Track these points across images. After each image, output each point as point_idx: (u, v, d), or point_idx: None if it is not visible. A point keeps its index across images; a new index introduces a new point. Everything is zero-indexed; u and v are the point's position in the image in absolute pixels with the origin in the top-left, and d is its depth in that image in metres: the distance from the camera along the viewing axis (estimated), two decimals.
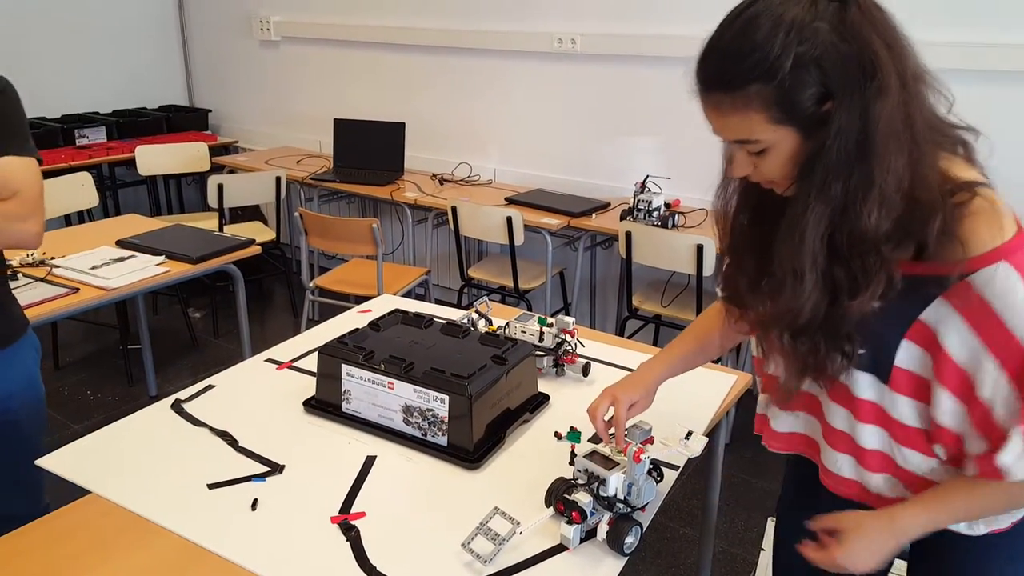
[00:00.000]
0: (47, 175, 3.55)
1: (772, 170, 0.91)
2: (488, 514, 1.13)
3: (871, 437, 1.02)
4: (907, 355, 0.94)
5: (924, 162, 0.85)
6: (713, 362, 1.92)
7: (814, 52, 0.81)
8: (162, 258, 2.35)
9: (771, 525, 1.79)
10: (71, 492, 1.24)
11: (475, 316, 1.73)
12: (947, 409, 0.93)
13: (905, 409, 0.97)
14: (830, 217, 0.85)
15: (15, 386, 1.57)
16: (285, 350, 1.76)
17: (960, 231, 0.85)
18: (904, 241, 0.87)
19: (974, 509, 0.97)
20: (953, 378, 0.91)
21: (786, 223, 0.89)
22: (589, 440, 1.37)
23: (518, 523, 1.10)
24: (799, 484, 1.27)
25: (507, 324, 1.69)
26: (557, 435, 1.27)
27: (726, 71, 0.85)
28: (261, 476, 1.28)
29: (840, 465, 1.07)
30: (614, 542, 1.10)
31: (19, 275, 2.17)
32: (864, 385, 0.99)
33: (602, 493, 1.12)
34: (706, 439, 1.25)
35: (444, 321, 1.60)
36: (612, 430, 1.20)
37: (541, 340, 1.64)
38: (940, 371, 0.92)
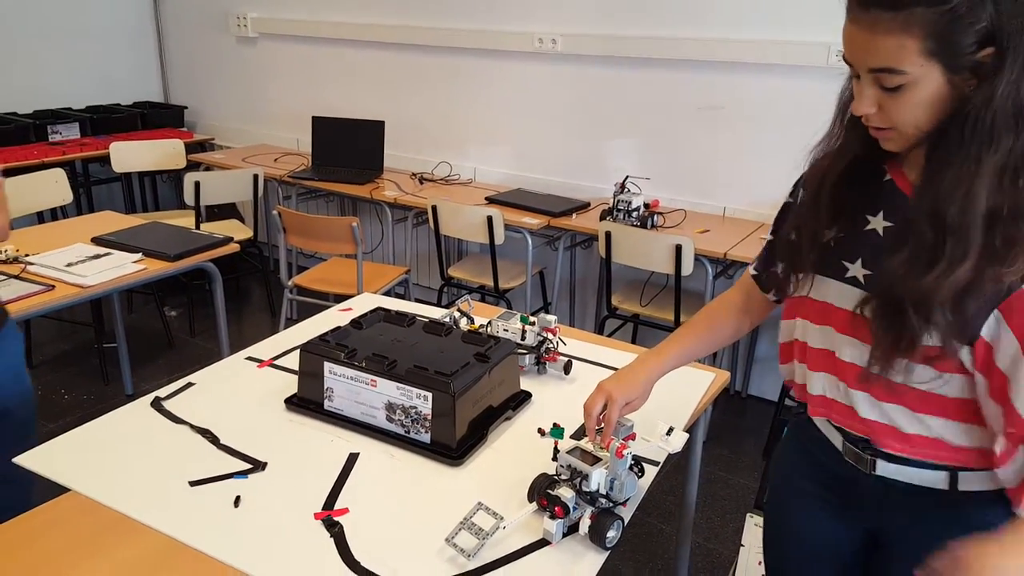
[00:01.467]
0: (19, 171, 3.52)
1: (902, 111, 0.86)
2: (472, 509, 1.14)
3: (954, 393, 0.95)
4: (989, 326, 0.89)
5: None
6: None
7: None
8: (139, 256, 2.33)
9: (749, 521, 1.82)
10: (49, 491, 1.23)
11: (457, 314, 1.74)
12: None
13: (981, 384, 0.92)
14: (1000, 175, 0.81)
15: (2, 378, 1.56)
16: (265, 348, 1.75)
17: None
18: None
19: None
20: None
21: (949, 181, 0.83)
22: (572, 436, 1.39)
23: (501, 518, 1.11)
24: (796, 476, 1.22)
25: (489, 322, 1.70)
26: (540, 431, 1.28)
27: None
28: (243, 473, 1.28)
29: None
30: (596, 536, 1.12)
31: None
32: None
33: (584, 488, 1.13)
34: (686, 435, 1.27)
35: (426, 319, 1.61)
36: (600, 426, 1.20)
37: (523, 338, 1.65)
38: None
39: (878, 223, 0.99)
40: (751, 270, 1.24)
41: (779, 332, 1.18)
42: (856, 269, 1.00)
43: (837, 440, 1.11)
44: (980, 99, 0.81)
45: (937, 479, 1.01)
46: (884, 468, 1.04)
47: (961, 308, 0.87)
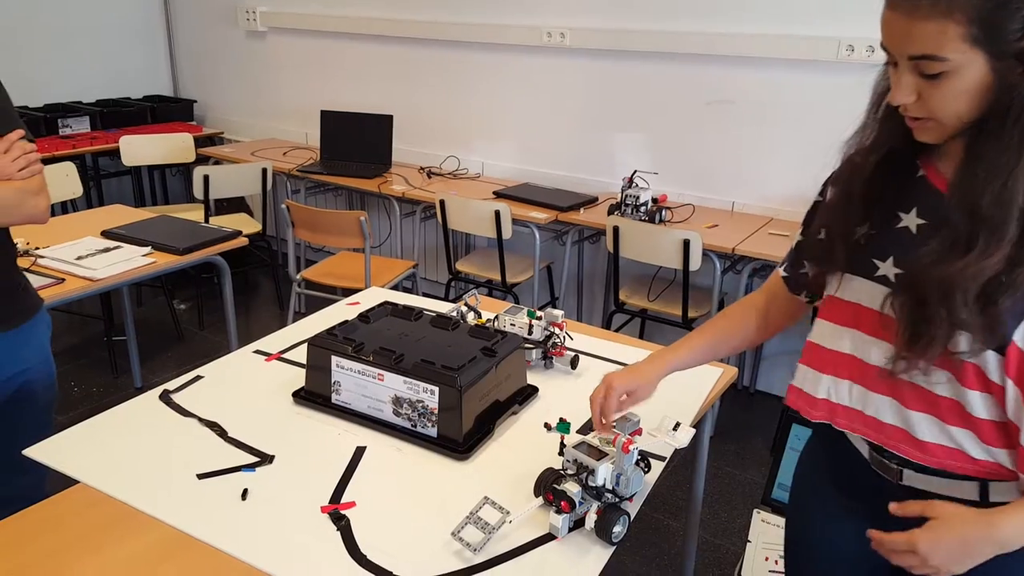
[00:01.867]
0: None
1: (943, 101, 0.83)
2: (478, 504, 1.14)
3: (979, 404, 0.92)
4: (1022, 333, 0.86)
5: None
6: None
7: None
8: (148, 249, 2.34)
9: (756, 517, 1.81)
10: (62, 481, 1.23)
11: (464, 309, 1.74)
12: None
13: (1011, 392, 0.89)
14: None
15: (33, 361, 1.59)
16: (273, 341, 1.76)
17: None
18: None
19: None
20: None
21: (986, 171, 0.80)
22: (578, 431, 1.39)
23: (508, 512, 1.11)
24: (819, 475, 1.19)
25: (496, 317, 1.70)
26: (547, 426, 1.28)
27: None
28: (251, 466, 1.28)
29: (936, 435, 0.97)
30: (602, 531, 1.12)
31: None
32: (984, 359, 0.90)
33: (591, 483, 1.13)
34: (693, 431, 1.26)
35: (434, 313, 1.61)
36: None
37: (530, 333, 1.65)
38: None
39: (911, 220, 0.96)
40: (781, 271, 1.20)
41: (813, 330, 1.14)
42: (887, 268, 0.97)
43: (864, 448, 1.06)
44: (1021, 89, 0.78)
45: (967, 489, 0.96)
46: (911, 478, 1.00)
47: (990, 304, 0.84)
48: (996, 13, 0.76)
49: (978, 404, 0.92)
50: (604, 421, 1.19)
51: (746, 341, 1.26)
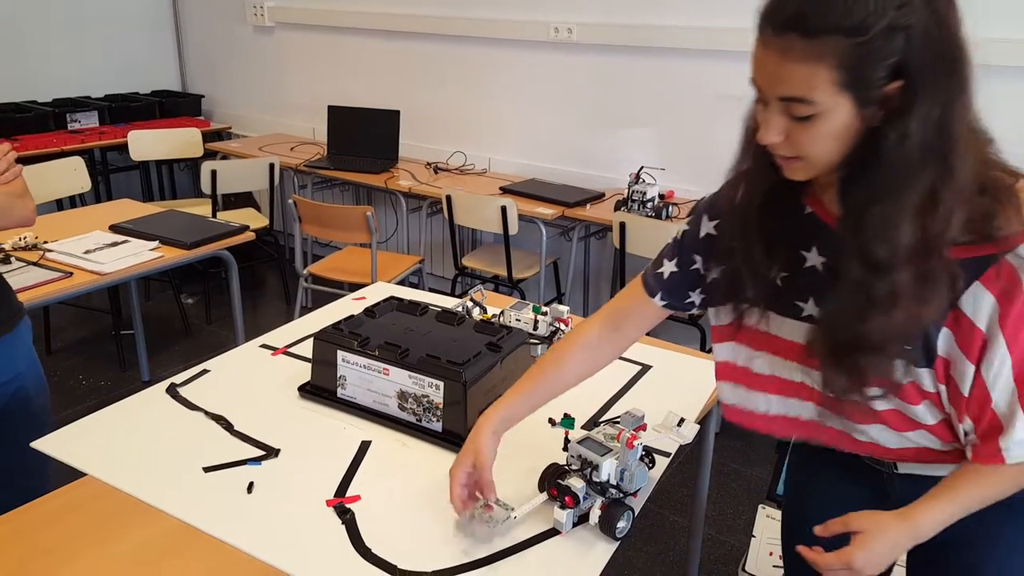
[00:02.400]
0: (39, 159, 3.56)
1: (810, 142, 0.84)
2: (483, 499, 1.14)
3: (924, 412, 0.96)
4: (943, 342, 0.90)
5: (986, 156, 0.84)
6: (705, 351, 1.95)
7: (907, 21, 0.76)
8: (156, 243, 2.35)
9: (761, 512, 1.81)
10: (63, 476, 1.24)
11: (470, 304, 1.74)
12: (970, 382, 0.90)
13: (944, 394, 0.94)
14: (918, 212, 0.80)
15: (22, 366, 1.59)
16: (280, 336, 1.76)
17: (1017, 212, 0.83)
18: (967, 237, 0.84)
19: (986, 496, 0.94)
20: (975, 350, 0.88)
21: (873, 219, 0.82)
22: (582, 426, 1.39)
23: (512, 508, 1.11)
24: (808, 474, 1.23)
25: (502, 312, 1.70)
26: (551, 421, 1.28)
27: (813, 14, 0.77)
28: (257, 460, 1.29)
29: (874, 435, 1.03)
30: (606, 527, 1.12)
31: (12, 259, 2.17)
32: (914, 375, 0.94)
33: (595, 478, 1.13)
34: (698, 426, 1.26)
35: (439, 309, 1.61)
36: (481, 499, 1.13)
37: (536, 328, 1.65)
38: (966, 345, 0.89)
39: (815, 259, 0.97)
40: (658, 302, 1.15)
41: (717, 351, 1.14)
42: (810, 307, 0.99)
43: None
44: (896, 135, 0.80)
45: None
46: (905, 467, 1.05)
47: (905, 346, 0.89)
48: (864, 60, 0.77)
49: (924, 413, 0.96)
50: (463, 507, 1.12)
51: (581, 378, 1.21)
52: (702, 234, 1.09)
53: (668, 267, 1.13)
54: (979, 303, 0.87)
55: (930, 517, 0.93)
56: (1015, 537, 1.02)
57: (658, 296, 1.15)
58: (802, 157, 0.86)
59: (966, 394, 0.91)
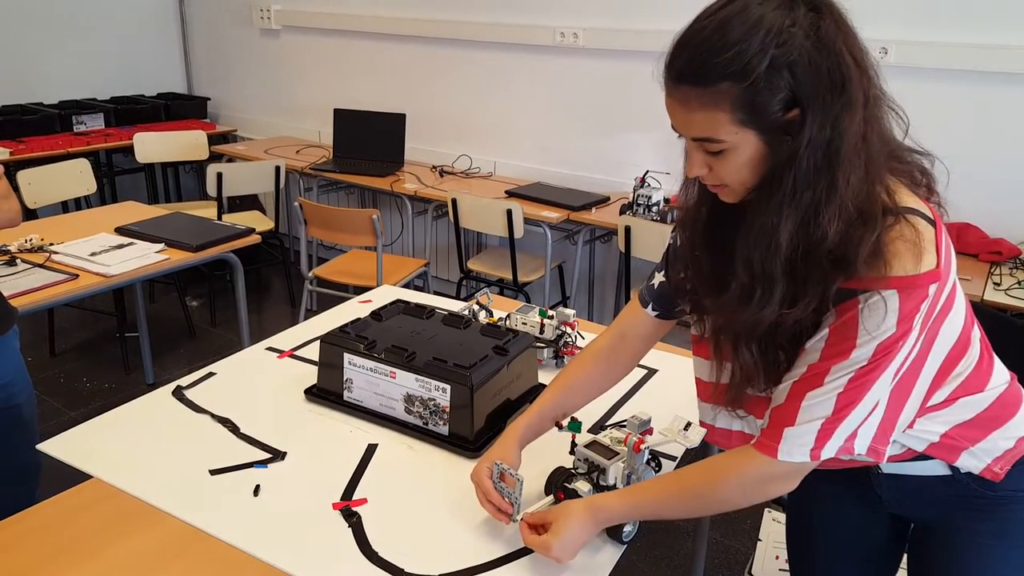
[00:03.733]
0: (45, 161, 3.57)
1: (728, 173, 0.91)
2: (496, 473, 1.12)
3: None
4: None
5: (875, 180, 0.87)
6: None
7: (789, 57, 0.81)
8: (161, 246, 2.35)
9: (767, 516, 1.81)
10: (67, 479, 1.24)
11: (476, 307, 1.74)
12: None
13: None
14: (798, 226, 0.86)
15: (12, 374, 1.59)
16: (286, 339, 1.76)
17: (885, 252, 0.86)
18: (841, 256, 0.87)
19: (661, 502, 1.04)
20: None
21: (757, 230, 0.88)
22: (589, 430, 1.39)
23: (519, 476, 1.10)
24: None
25: (508, 315, 1.70)
26: (558, 425, 1.28)
27: (700, 65, 0.85)
28: (263, 463, 1.29)
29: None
30: (613, 531, 1.11)
31: (18, 261, 2.17)
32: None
33: (602, 482, 1.13)
34: (704, 430, 1.26)
35: (446, 312, 1.61)
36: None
37: (542, 332, 1.65)
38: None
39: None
40: (650, 312, 1.20)
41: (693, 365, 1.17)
42: None
43: None
44: (784, 157, 0.85)
45: (937, 467, 1.04)
46: (888, 466, 1.08)
47: (769, 349, 0.95)
48: (755, 99, 0.83)
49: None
50: (494, 503, 1.13)
51: (601, 388, 1.26)
52: (674, 244, 1.17)
53: (658, 278, 1.19)
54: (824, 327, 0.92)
55: (609, 503, 1.05)
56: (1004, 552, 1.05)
57: (650, 306, 1.20)
58: (726, 184, 0.93)
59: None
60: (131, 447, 1.32)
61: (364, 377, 1.42)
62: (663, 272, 1.18)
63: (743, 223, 0.92)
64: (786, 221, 0.86)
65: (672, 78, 0.89)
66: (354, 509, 1.18)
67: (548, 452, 1.32)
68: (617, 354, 1.24)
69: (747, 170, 0.89)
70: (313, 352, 1.60)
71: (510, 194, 3.43)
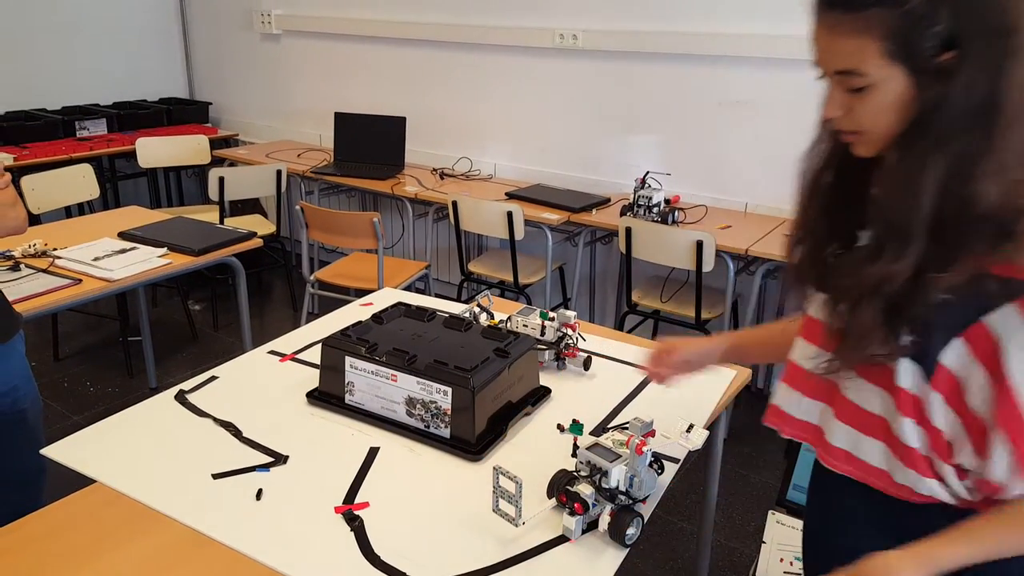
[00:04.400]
0: (47, 167, 3.58)
1: (868, 115, 0.85)
2: (494, 476, 1.13)
3: (910, 432, 0.92)
4: (954, 355, 0.87)
5: None
6: None
7: None
8: (164, 250, 2.36)
9: (771, 518, 1.80)
10: (71, 484, 1.24)
11: (477, 310, 1.74)
12: (992, 401, 0.86)
13: (938, 411, 0.89)
14: (945, 179, 0.79)
15: (18, 378, 1.59)
16: (288, 342, 1.77)
17: None
18: (997, 232, 0.80)
19: (1009, 541, 0.89)
20: (1000, 368, 0.84)
21: (895, 179, 0.83)
22: (591, 432, 1.39)
23: (518, 478, 1.09)
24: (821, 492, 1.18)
25: (509, 318, 1.70)
26: (560, 427, 1.28)
27: None
28: (265, 466, 1.29)
29: (866, 450, 0.99)
30: (616, 533, 1.11)
31: (22, 266, 2.18)
32: (906, 374, 0.90)
33: (604, 485, 1.13)
34: (707, 432, 1.26)
35: (447, 314, 1.61)
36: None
37: (543, 334, 1.65)
38: (992, 364, 0.85)
39: (867, 238, 0.95)
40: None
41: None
42: None
43: None
44: (931, 101, 0.80)
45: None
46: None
47: (906, 310, 0.86)
48: (909, 29, 0.78)
49: (910, 432, 0.92)
50: (652, 365, 1.22)
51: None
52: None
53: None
54: (1008, 323, 0.83)
55: (944, 554, 0.89)
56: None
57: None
58: (862, 131, 0.87)
59: (988, 415, 0.86)
60: (134, 451, 1.32)
61: (365, 380, 1.42)
62: None
63: (878, 175, 0.86)
64: (929, 171, 0.79)
65: (823, 2, 0.83)
66: (356, 513, 1.18)
67: (550, 455, 1.32)
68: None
69: (888, 114, 0.83)
70: (315, 355, 1.61)
71: (510, 196, 3.43)
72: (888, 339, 0.88)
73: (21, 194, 2.87)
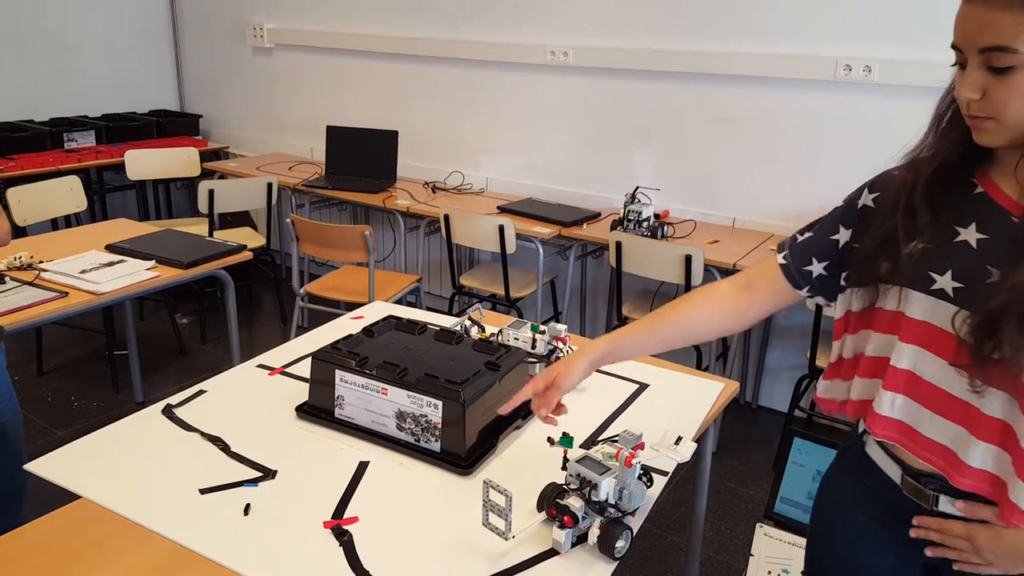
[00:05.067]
0: (35, 179, 3.56)
1: (1007, 98, 0.83)
2: (484, 489, 1.13)
3: None
4: None
5: None
6: (701, 370, 1.95)
7: None
8: (152, 263, 2.35)
9: (759, 531, 1.81)
10: (54, 501, 1.23)
11: (468, 323, 1.74)
12: None
13: None
14: None
15: None
16: (277, 356, 1.76)
17: None
18: None
19: None
20: None
21: None
22: (581, 446, 1.39)
23: (508, 491, 1.09)
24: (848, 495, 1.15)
25: (500, 331, 1.70)
26: (550, 440, 1.28)
27: None
28: (254, 481, 1.28)
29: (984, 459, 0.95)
30: (605, 546, 1.11)
31: (6, 279, 2.16)
32: None
33: (594, 498, 1.13)
34: (695, 445, 1.26)
35: (438, 328, 1.61)
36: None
37: (534, 347, 1.65)
38: None
39: (970, 235, 0.94)
40: (779, 259, 1.13)
41: (836, 345, 1.11)
42: (944, 281, 0.94)
43: (895, 473, 1.04)
44: None
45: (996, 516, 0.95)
46: (947, 505, 0.99)
47: None
48: None
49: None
50: (537, 410, 1.18)
51: (703, 326, 1.18)
52: (860, 205, 1.06)
53: (806, 234, 1.12)
54: None
55: None
56: None
57: (784, 253, 1.13)
58: (995, 117, 0.86)
59: None
60: (120, 466, 1.31)
61: (355, 394, 1.42)
62: (816, 226, 1.10)
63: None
64: None
65: None
66: (345, 527, 1.17)
67: (540, 468, 1.32)
68: (735, 299, 1.15)
69: None
70: (304, 369, 1.60)
71: (502, 210, 3.44)
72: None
73: (6, 205, 2.86)
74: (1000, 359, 0.87)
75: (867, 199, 1.06)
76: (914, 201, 0.97)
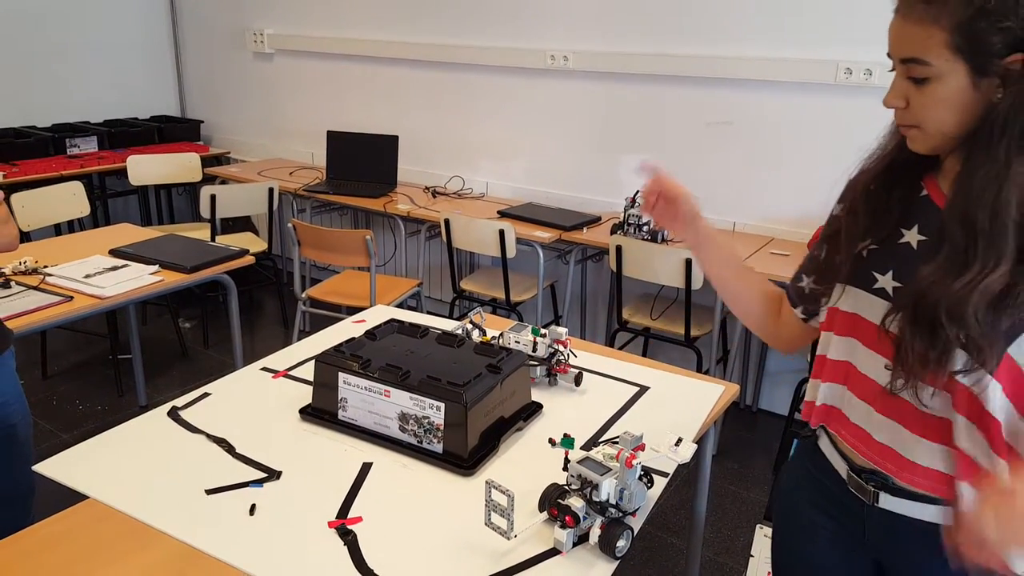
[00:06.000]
0: (38, 184, 3.58)
1: (926, 106, 0.87)
2: (486, 490, 1.14)
3: (962, 431, 0.92)
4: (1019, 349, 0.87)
5: None
6: (701, 372, 1.98)
7: None
8: (156, 267, 2.37)
9: (759, 532, 1.82)
10: (62, 502, 1.24)
11: (469, 326, 1.76)
12: None
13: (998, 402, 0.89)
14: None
15: (7, 394, 1.59)
16: (280, 359, 1.78)
17: None
18: None
19: None
20: None
21: (979, 182, 0.83)
22: (582, 447, 1.40)
23: (510, 491, 1.10)
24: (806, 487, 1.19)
25: (501, 334, 1.72)
26: (551, 441, 1.29)
27: None
28: (259, 482, 1.30)
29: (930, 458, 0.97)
30: (606, 546, 1.13)
31: (12, 283, 2.18)
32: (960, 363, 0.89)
33: (595, 498, 1.14)
34: (695, 446, 1.28)
35: (439, 331, 1.62)
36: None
37: (535, 350, 1.67)
38: None
39: (912, 236, 0.98)
40: (800, 313, 1.19)
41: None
42: (886, 281, 0.98)
43: (842, 469, 1.08)
44: (1009, 102, 0.82)
45: (941, 514, 0.98)
46: (887, 501, 1.01)
47: (995, 319, 0.85)
48: (978, 24, 0.81)
49: (962, 432, 0.92)
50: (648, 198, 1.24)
51: (754, 312, 1.24)
52: (832, 216, 1.11)
53: (807, 282, 1.16)
54: None
55: None
56: None
57: (799, 309, 1.18)
58: (918, 125, 0.90)
59: None
60: (127, 467, 1.33)
61: (358, 396, 1.43)
62: (812, 277, 1.13)
63: (937, 178, 0.88)
64: (1015, 173, 0.81)
65: None
66: (349, 527, 1.19)
67: (542, 469, 1.33)
68: (773, 304, 1.22)
69: (946, 109, 0.85)
70: (307, 372, 1.61)
71: (502, 214, 3.46)
72: (976, 352, 0.86)
73: (11, 211, 2.87)
74: (923, 353, 0.89)
75: (836, 209, 1.10)
76: (860, 204, 1.01)
